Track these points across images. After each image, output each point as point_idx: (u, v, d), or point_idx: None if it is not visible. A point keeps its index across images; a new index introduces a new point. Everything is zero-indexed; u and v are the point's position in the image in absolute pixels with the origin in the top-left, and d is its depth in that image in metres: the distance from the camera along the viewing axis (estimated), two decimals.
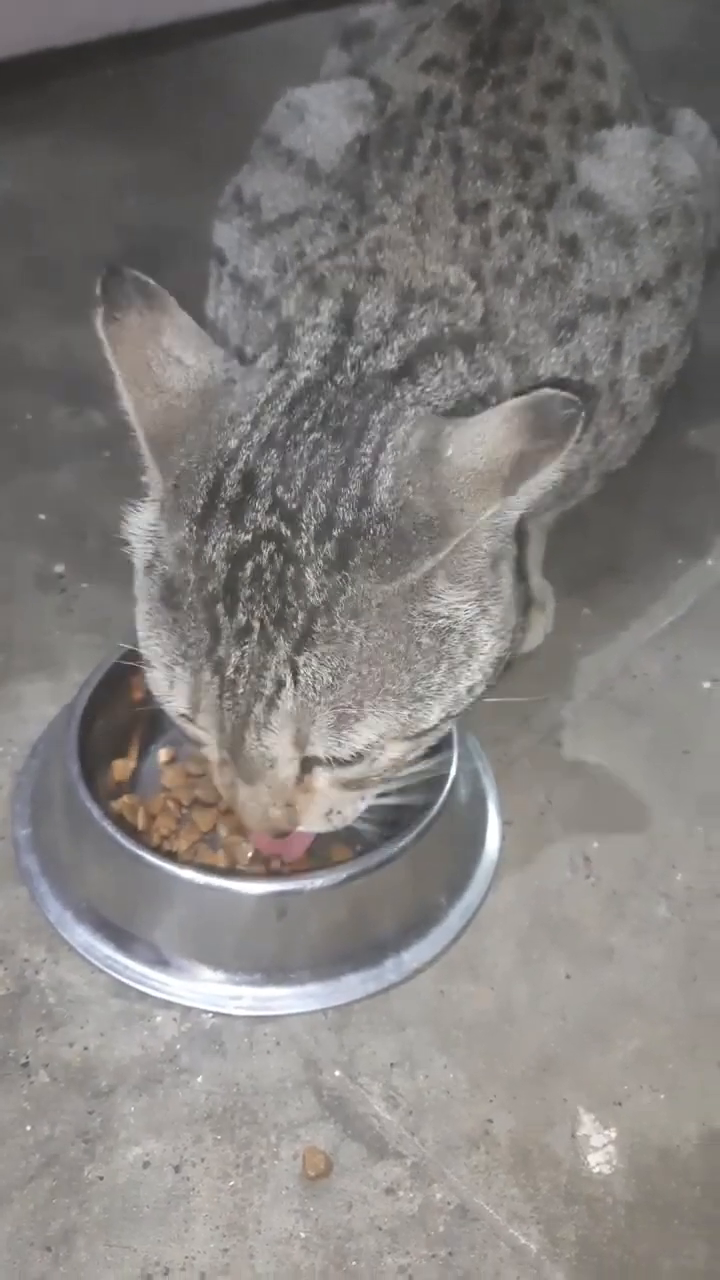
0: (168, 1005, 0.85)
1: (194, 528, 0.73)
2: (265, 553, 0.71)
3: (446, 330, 0.84)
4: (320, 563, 0.71)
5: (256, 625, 0.71)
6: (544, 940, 0.92)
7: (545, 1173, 0.78)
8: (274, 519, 0.72)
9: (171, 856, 0.90)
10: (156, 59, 2.32)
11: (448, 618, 0.74)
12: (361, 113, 1.01)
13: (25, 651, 1.09)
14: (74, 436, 1.34)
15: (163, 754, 1.00)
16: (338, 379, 0.79)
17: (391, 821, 0.91)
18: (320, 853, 0.93)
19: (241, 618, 0.71)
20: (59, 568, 1.18)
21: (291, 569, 0.71)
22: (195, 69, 2.36)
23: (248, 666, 0.71)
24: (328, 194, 0.96)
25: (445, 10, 1.06)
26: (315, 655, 0.71)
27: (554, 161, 0.97)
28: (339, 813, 0.80)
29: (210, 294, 1.05)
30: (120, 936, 0.87)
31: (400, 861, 0.87)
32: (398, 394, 0.79)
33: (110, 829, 0.85)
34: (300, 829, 0.80)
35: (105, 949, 0.87)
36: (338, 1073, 0.82)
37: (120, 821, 0.91)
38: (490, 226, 0.90)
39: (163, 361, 0.75)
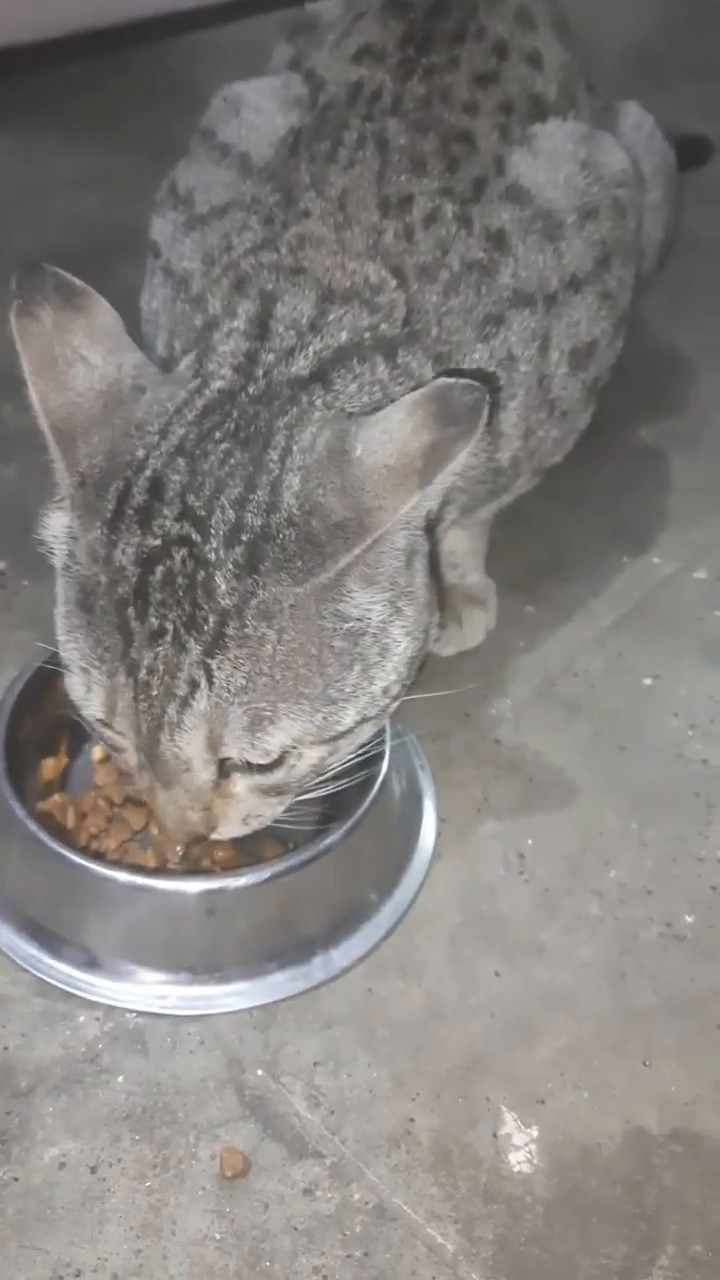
0: (91, 1005, 0.85)
1: (104, 530, 0.73)
2: (177, 557, 0.72)
3: (367, 335, 0.84)
4: (230, 567, 0.71)
5: (169, 628, 0.71)
6: (475, 938, 0.91)
7: (465, 1172, 0.78)
8: (184, 525, 0.72)
9: (99, 856, 0.90)
10: (121, 56, 2.32)
11: (360, 619, 0.74)
12: (296, 106, 1.01)
13: None
14: (19, 433, 1.31)
15: (96, 752, 0.99)
16: (250, 389, 0.79)
17: (327, 815, 0.92)
18: (252, 849, 0.93)
19: (154, 621, 0.72)
20: (0, 564, 1.18)
21: (202, 573, 0.71)
22: (160, 67, 2.35)
23: (161, 669, 0.72)
24: (257, 187, 0.96)
25: (380, 0, 1.06)
26: (228, 658, 0.71)
27: (483, 154, 0.96)
28: (257, 816, 0.80)
29: (145, 287, 1.05)
30: (45, 936, 0.87)
31: (329, 858, 0.86)
32: (305, 400, 0.79)
33: (34, 828, 0.85)
34: (216, 835, 0.79)
35: (29, 948, 0.86)
36: (260, 1072, 0.82)
37: (49, 820, 0.91)
38: (414, 221, 0.90)
39: (69, 359, 0.75)
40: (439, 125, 0.97)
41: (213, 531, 0.72)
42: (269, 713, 0.72)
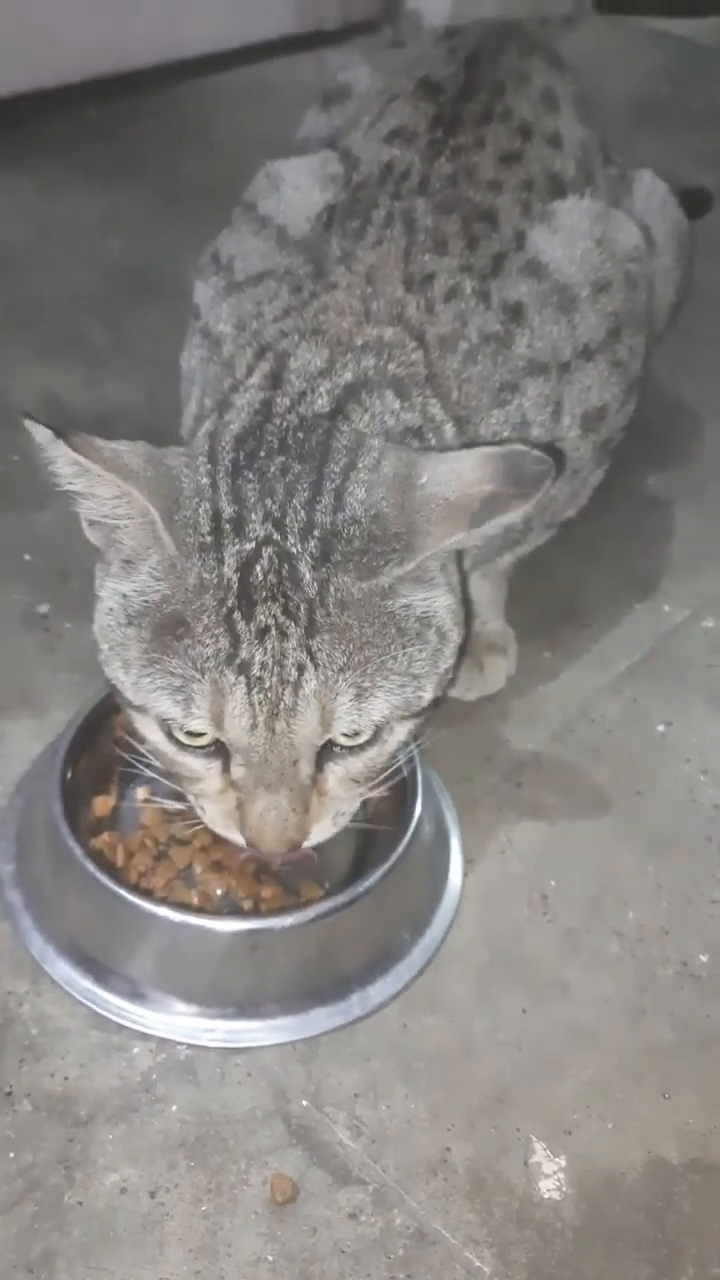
0: (144, 1037, 0.89)
1: (209, 555, 0.79)
2: (265, 555, 0.79)
3: (372, 373, 0.91)
4: (308, 559, 0.79)
5: (272, 622, 0.78)
6: (502, 975, 0.97)
7: (499, 1198, 0.83)
8: (268, 526, 0.80)
9: (148, 893, 0.95)
10: (138, 100, 2.38)
11: (423, 611, 0.83)
12: (332, 184, 1.07)
13: (9, 689, 1.14)
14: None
15: (140, 792, 1.04)
16: (275, 421, 0.87)
17: (360, 859, 0.97)
18: (291, 889, 0.98)
19: (261, 618, 0.78)
20: (43, 607, 1.23)
21: (287, 566, 0.79)
22: (175, 110, 2.42)
23: (270, 661, 0.78)
24: (291, 258, 1.02)
25: (412, 82, 1.12)
26: (324, 640, 0.78)
27: (504, 230, 1.03)
28: (342, 814, 0.86)
29: (185, 346, 1.11)
30: (100, 971, 0.91)
31: (367, 900, 0.92)
32: (343, 428, 0.86)
33: (90, 867, 0.90)
34: (309, 838, 0.84)
35: (85, 982, 0.91)
36: (305, 1102, 0.87)
37: (100, 858, 0.96)
38: (435, 296, 0.97)
39: (117, 454, 0.80)
40: (463, 205, 1.04)
41: (289, 528, 0.80)
42: (368, 685, 0.79)
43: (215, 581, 0.79)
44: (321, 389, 0.90)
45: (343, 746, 0.82)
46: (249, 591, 0.78)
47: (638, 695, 1.21)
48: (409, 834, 0.95)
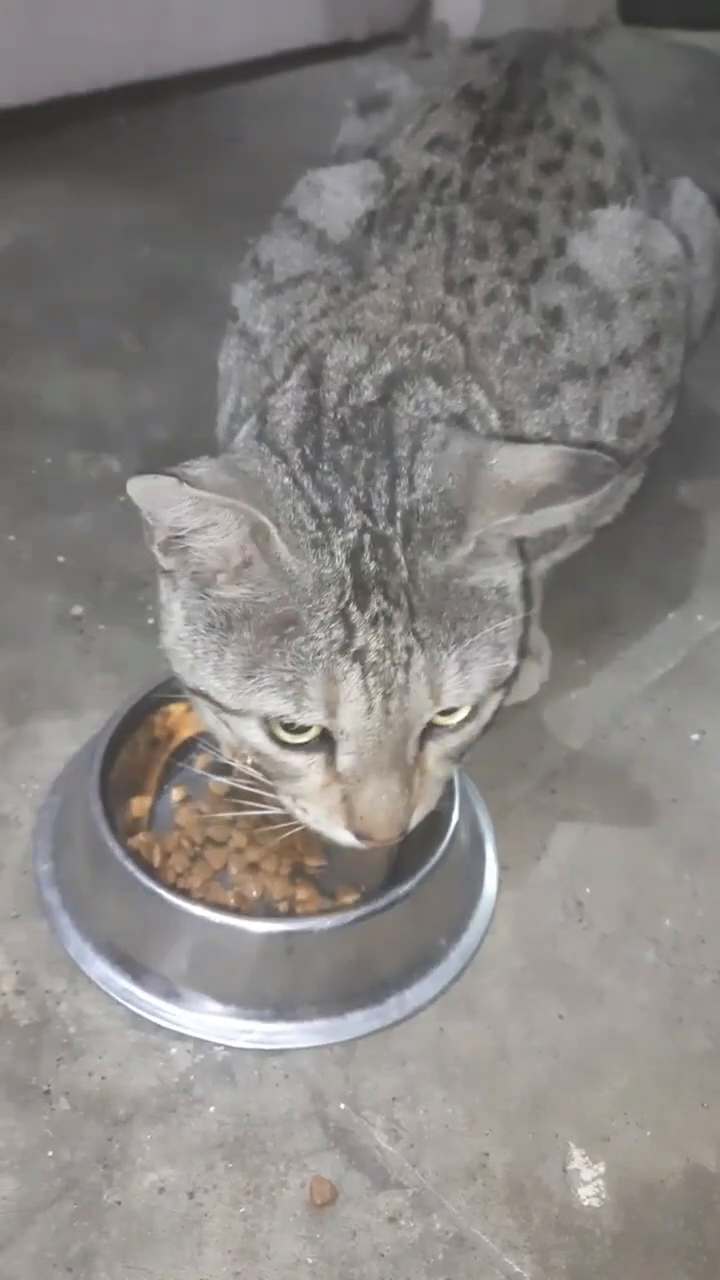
0: (181, 1037, 0.89)
1: (320, 551, 0.80)
2: (365, 541, 0.81)
3: (408, 362, 0.92)
4: (398, 540, 0.81)
5: (382, 607, 0.79)
6: (538, 982, 0.96)
7: (538, 1204, 0.83)
8: (361, 514, 0.82)
9: (185, 894, 0.95)
10: (168, 108, 2.39)
11: (500, 583, 0.85)
12: (373, 191, 1.08)
13: (45, 691, 1.14)
14: (91, 482, 1.39)
15: (175, 793, 1.04)
16: (329, 414, 0.88)
17: (397, 866, 0.97)
18: (328, 892, 0.98)
19: (374, 606, 0.79)
20: (77, 609, 1.23)
21: (383, 549, 0.80)
22: (205, 118, 2.43)
23: (383, 646, 0.79)
24: (330, 261, 1.03)
25: (454, 91, 1.13)
26: (424, 621, 0.80)
27: (543, 237, 1.04)
28: (436, 794, 0.88)
29: (222, 347, 1.11)
30: (137, 970, 0.91)
31: (405, 904, 0.92)
32: (397, 414, 0.88)
33: (130, 866, 0.90)
34: (413, 820, 0.85)
35: (123, 982, 0.91)
36: (343, 1105, 0.87)
37: (136, 858, 0.96)
38: (475, 299, 0.98)
39: (211, 476, 0.79)
40: (503, 211, 1.04)
41: (376, 513, 0.82)
42: (469, 658, 0.81)
43: (333, 576, 0.80)
44: (365, 380, 0.91)
45: (442, 726, 0.84)
46: (363, 580, 0.80)
47: (671, 704, 1.21)
48: (446, 839, 0.95)
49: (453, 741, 0.85)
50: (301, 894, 0.98)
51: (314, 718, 0.80)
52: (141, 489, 0.77)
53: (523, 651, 1.16)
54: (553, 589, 1.23)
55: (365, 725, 0.80)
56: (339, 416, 0.88)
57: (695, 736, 1.17)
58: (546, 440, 0.97)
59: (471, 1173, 0.84)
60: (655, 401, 1.09)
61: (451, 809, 0.97)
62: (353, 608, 0.79)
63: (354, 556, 0.80)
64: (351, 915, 0.90)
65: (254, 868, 0.99)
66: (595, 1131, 0.87)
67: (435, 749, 0.84)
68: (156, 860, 0.98)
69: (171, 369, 1.63)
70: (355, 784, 0.81)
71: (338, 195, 1.10)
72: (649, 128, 2.37)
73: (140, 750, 1.02)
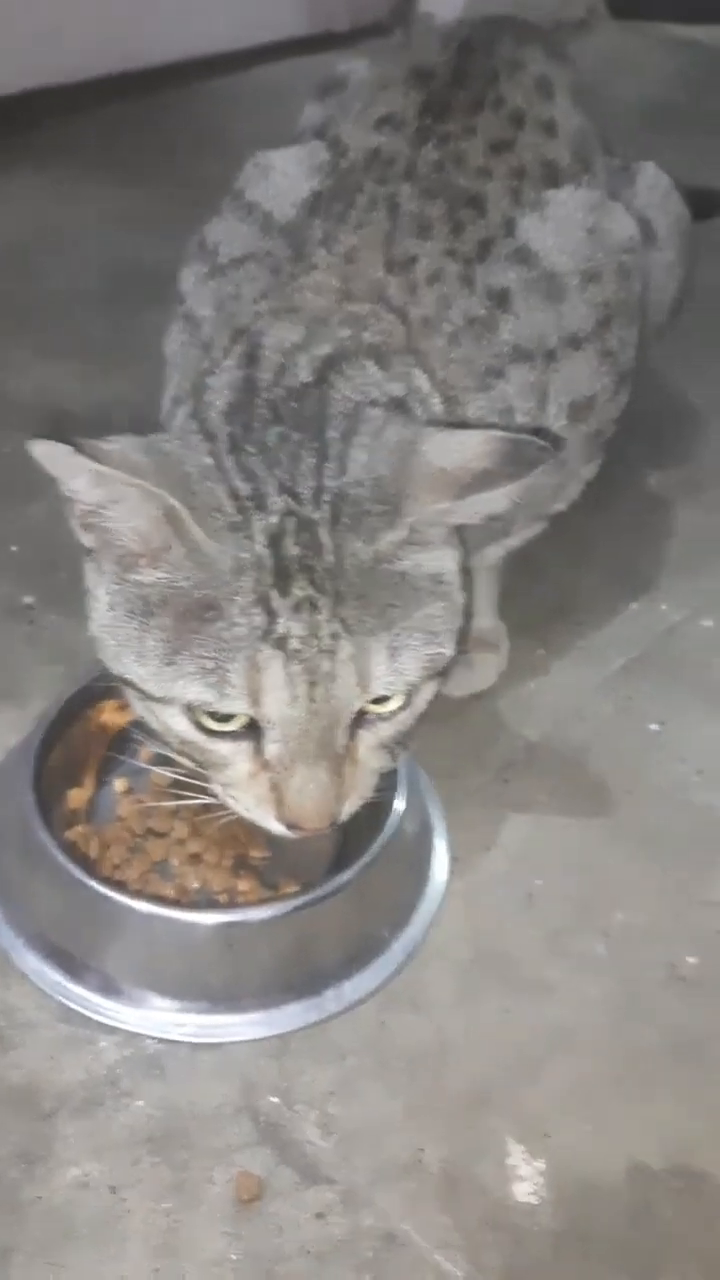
0: (112, 1031, 0.87)
1: (237, 534, 0.78)
2: (289, 526, 0.79)
3: (348, 343, 0.90)
4: (325, 523, 0.79)
5: (305, 593, 0.77)
6: (484, 975, 0.94)
7: (473, 1201, 0.81)
8: (284, 497, 0.80)
9: (122, 886, 0.93)
10: (150, 100, 2.38)
11: (433, 570, 0.83)
12: (319, 171, 1.06)
13: None
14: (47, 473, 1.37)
15: (119, 784, 1.03)
16: (262, 394, 0.87)
17: (341, 856, 0.95)
18: (270, 884, 0.96)
19: (296, 592, 0.77)
20: (28, 599, 1.21)
21: (308, 534, 0.78)
22: (188, 110, 2.42)
23: (307, 632, 0.77)
24: (273, 242, 1.01)
25: (403, 69, 1.11)
26: (351, 606, 0.78)
27: (492, 217, 1.01)
28: (369, 785, 0.85)
29: (169, 332, 1.10)
30: (70, 963, 0.89)
31: (344, 895, 0.90)
32: (332, 395, 0.86)
33: (62, 859, 0.88)
34: (344, 811, 0.82)
35: (55, 975, 0.89)
36: (275, 1099, 0.85)
37: (73, 850, 0.94)
38: (417, 279, 0.95)
39: (121, 453, 0.77)
40: (449, 190, 1.02)
41: (302, 495, 0.80)
42: (399, 644, 0.79)
43: (251, 560, 0.78)
44: (301, 361, 0.89)
45: (374, 715, 0.81)
46: (284, 565, 0.78)
47: (632, 694, 1.19)
48: (388, 829, 0.93)
49: (386, 730, 0.83)
50: (243, 885, 0.96)
51: (237, 706, 0.78)
52: (41, 453, 0.75)
53: (466, 640, 1.15)
54: (513, 579, 1.21)
55: (290, 714, 0.78)
56: (271, 397, 0.87)
57: (655, 727, 1.15)
58: (488, 425, 0.94)
59: (405, 1169, 0.82)
60: (608, 386, 1.07)
61: (395, 799, 0.95)
62: (274, 593, 0.77)
63: (275, 540, 0.78)
64: (288, 905, 0.88)
65: (195, 859, 0.98)
66: (536, 1127, 0.85)
67: (368, 737, 0.82)
68: (94, 852, 0.96)
69: (143, 359, 1.59)
70: (283, 773, 0.79)
71: (285, 176, 1.08)
72: (637, 120, 2.37)
73: (79, 742, 1.00)
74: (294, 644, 0.77)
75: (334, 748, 0.79)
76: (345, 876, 0.90)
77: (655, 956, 0.96)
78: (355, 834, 0.97)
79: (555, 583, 1.29)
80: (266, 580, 0.77)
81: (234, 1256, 0.77)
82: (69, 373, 1.57)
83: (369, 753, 0.83)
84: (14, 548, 1.26)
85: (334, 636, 0.77)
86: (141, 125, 2.32)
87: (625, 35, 2.97)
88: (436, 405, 0.93)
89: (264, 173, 1.09)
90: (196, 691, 0.78)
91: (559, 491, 1.10)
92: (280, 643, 0.77)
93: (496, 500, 0.80)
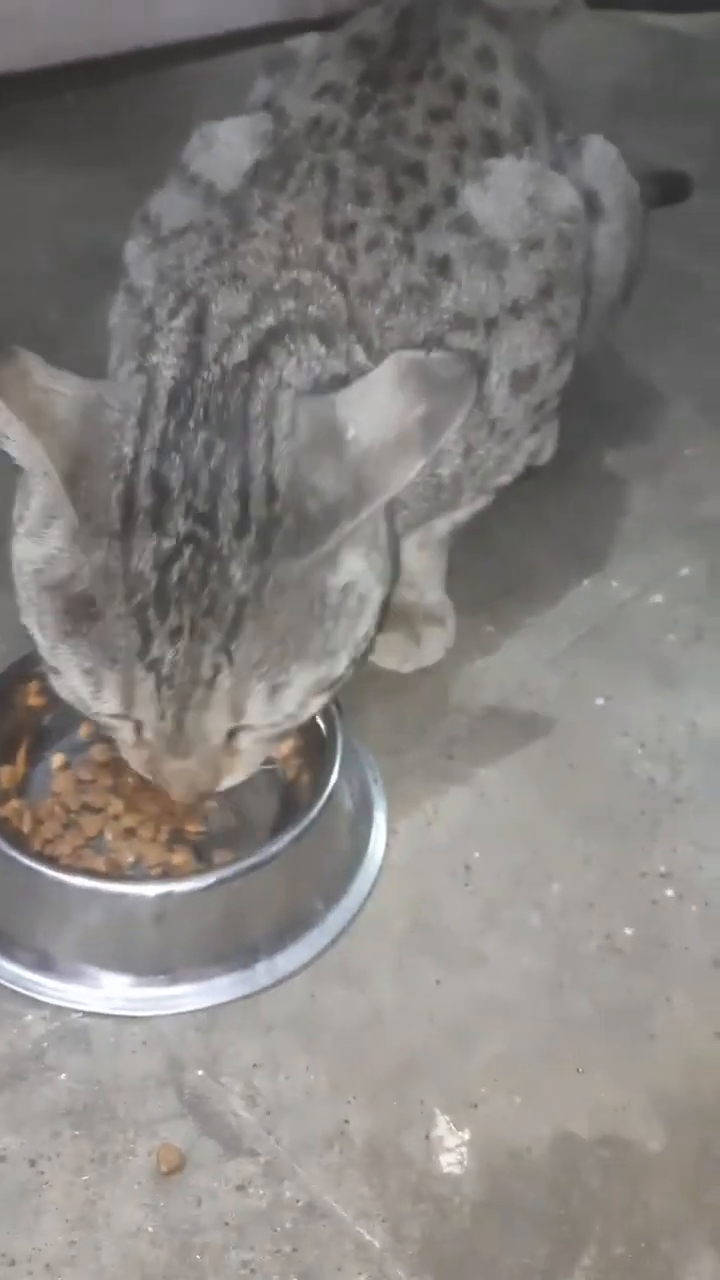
0: (39, 1005, 0.87)
1: (116, 544, 0.77)
2: (186, 555, 0.76)
3: (294, 316, 0.88)
4: (243, 556, 0.76)
5: (186, 624, 0.76)
6: (419, 947, 0.93)
7: (396, 1172, 0.80)
8: (190, 523, 0.77)
9: (53, 861, 0.92)
10: (117, 86, 2.37)
11: (346, 581, 0.81)
12: (261, 141, 1.05)
13: None
14: None
15: (55, 760, 1.02)
16: (204, 374, 0.83)
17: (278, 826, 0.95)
18: (205, 857, 0.96)
19: (173, 619, 0.76)
20: None
21: (215, 565, 0.76)
22: (155, 97, 2.40)
23: (182, 660, 0.76)
24: (214, 212, 1.00)
25: (344, 40, 1.10)
26: (245, 639, 0.77)
27: (432, 185, 1.00)
28: (253, 765, 0.86)
29: (112, 305, 1.09)
30: (1, 940, 0.89)
31: (274, 865, 0.89)
32: (260, 382, 0.83)
33: None
34: (221, 787, 0.85)
35: None
36: (200, 1072, 0.84)
37: (5, 826, 0.93)
38: (356, 246, 0.94)
39: (49, 399, 0.77)
40: (389, 157, 1.01)
41: (221, 526, 0.77)
42: (284, 678, 0.78)
43: (123, 572, 0.76)
44: (244, 333, 0.87)
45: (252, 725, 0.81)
46: (166, 591, 0.76)
47: (579, 669, 1.18)
48: (320, 800, 0.92)
49: (266, 733, 0.83)
50: (177, 859, 0.95)
51: (110, 708, 0.79)
52: None
53: (386, 616, 1.14)
54: (462, 554, 1.21)
55: (159, 727, 0.79)
56: (209, 380, 0.83)
57: (600, 701, 1.14)
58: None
59: (329, 1140, 0.81)
60: (550, 355, 1.06)
61: (331, 773, 0.94)
62: (151, 615, 0.76)
63: (164, 565, 0.76)
64: (216, 876, 0.87)
65: (130, 834, 0.97)
66: (464, 1098, 0.84)
67: (249, 736, 0.82)
68: (26, 827, 0.95)
69: (96, 340, 1.59)
70: (158, 757, 0.81)
71: (229, 146, 1.08)
72: (608, 106, 2.36)
73: (9, 720, 0.99)
74: (166, 669, 0.76)
75: (206, 746, 0.80)
76: (274, 848, 0.89)
77: (591, 928, 0.95)
78: (295, 806, 0.97)
79: (505, 559, 1.28)
80: (142, 597, 0.76)
81: (151, 1228, 0.76)
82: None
83: (251, 745, 0.83)
84: None
85: (215, 668, 0.77)
86: (112, 111, 2.30)
87: (598, 22, 2.96)
88: None
89: (208, 144, 1.09)
90: (77, 682, 0.79)
91: (503, 464, 1.09)
92: (153, 666, 0.76)
93: (454, 430, 0.77)
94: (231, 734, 0.82)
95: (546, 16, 2.88)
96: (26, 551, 0.82)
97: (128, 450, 0.79)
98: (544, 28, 2.79)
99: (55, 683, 0.83)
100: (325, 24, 2.71)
